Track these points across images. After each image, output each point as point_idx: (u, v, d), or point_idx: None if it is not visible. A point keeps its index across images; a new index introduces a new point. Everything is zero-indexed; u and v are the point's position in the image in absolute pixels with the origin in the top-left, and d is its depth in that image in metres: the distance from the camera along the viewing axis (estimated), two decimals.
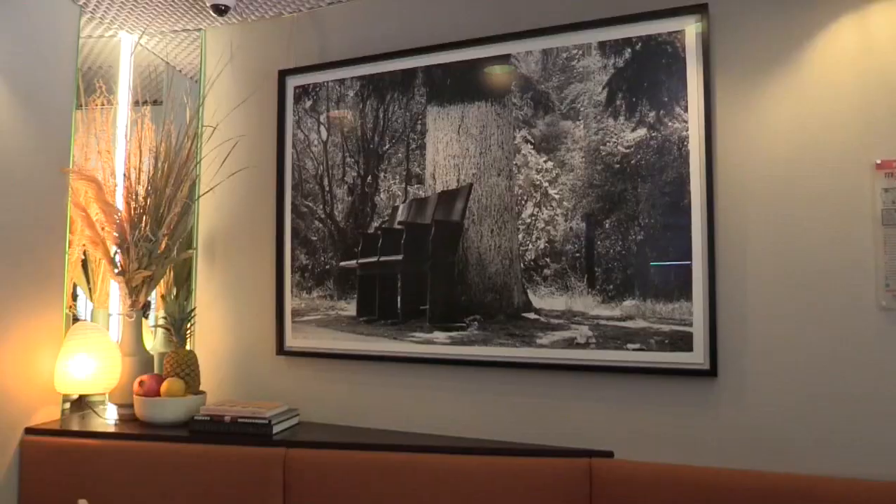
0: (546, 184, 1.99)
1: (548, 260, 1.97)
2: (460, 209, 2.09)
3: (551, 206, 1.98)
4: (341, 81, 2.30)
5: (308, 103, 2.35)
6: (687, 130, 1.84)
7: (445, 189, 2.12)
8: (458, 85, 2.13)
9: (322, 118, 2.32)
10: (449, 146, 2.12)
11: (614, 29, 1.94)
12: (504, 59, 2.07)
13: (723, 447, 1.80)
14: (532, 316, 1.98)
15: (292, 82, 2.38)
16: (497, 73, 2.08)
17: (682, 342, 1.82)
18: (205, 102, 2.56)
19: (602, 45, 1.95)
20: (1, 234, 2.03)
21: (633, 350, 1.86)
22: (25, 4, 2.12)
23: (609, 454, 1.87)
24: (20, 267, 2.10)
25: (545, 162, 1.99)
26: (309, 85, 2.35)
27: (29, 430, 2.12)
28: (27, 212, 2.13)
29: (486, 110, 2.08)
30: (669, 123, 1.86)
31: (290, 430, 2.13)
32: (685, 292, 1.82)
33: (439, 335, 2.09)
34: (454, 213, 2.09)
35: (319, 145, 2.32)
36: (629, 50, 1.92)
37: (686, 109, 1.85)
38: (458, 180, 2.10)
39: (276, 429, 2.06)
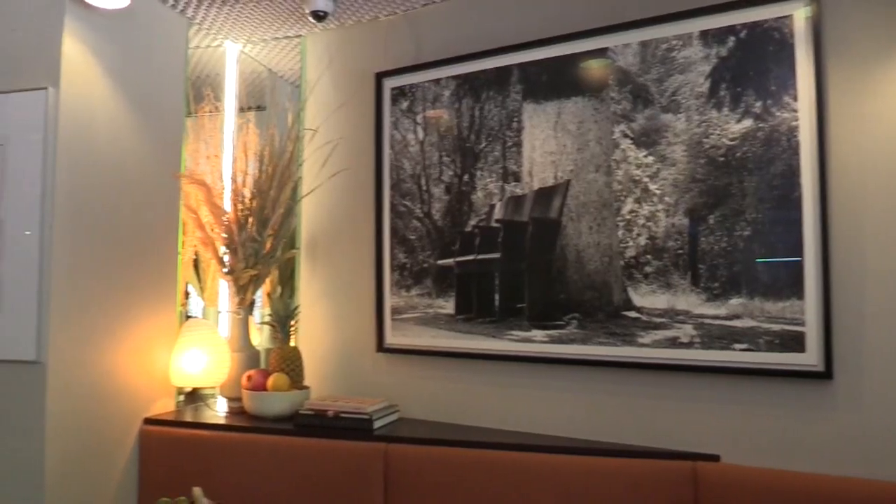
0: (646, 179, 1.94)
1: (649, 257, 1.93)
2: (558, 206, 2.07)
3: (652, 201, 1.93)
4: (437, 81, 2.32)
5: (405, 104, 2.38)
6: (797, 120, 1.76)
7: (542, 186, 2.10)
8: (554, 81, 2.10)
9: (419, 118, 2.35)
10: (545, 143, 2.10)
11: (717, 17, 1.87)
12: (601, 52, 2.04)
13: (839, 454, 1.70)
14: (633, 314, 1.94)
15: (389, 84, 2.42)
16: (594, 68, 2.05)
17: (794, 342, 1.73)
18: (305, 106, 2.63)
19: (704, 35, 1.89)
20: (122, 237, 2.16)
21: (741, 350, 1.79)
22: (140, 19, 2.25)
23: (715, 458, 1.81)
24: (139, 268, 2.23)
25: (645, 157, 1.95)
26: (405, 86, 2.39)
27: (147, 420, 2.25)
28: (144, 216, 2.26)
29: (583, 105, 2.05)
30: (777, 113, 1.78)
31: (390, 425, 2.17)
32: (796, 290, 1.74)
33: (537, 333, 2.08)
34: (551, 210, 2.08)
35: (416, 145, 2.35)
36: (733, 38, 1.85)
37: (795, 98, 1.76)
38: (555, 177, 2.08)
39: (376, 424, 2.10)
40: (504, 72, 2.19)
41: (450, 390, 2.27)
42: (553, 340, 2.05)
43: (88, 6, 2.00)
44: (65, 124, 1.96)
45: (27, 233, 1.92)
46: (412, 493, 1.95)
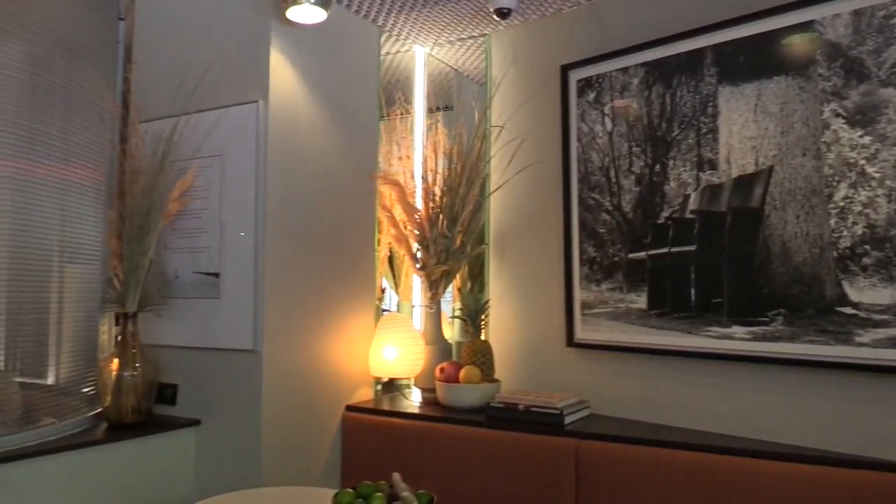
0: (863, 161, 1.76)
1: (867, 247, 1.75)
2: (759, 195, 1.93)
3: (870, 186, 1.75)
4: (624, 70, 2.26)
5: (591, 95, 2.34)
6: None
7: (742, 174, 1.97)
8: (753, 61, 1.97)
9: (606, 109, 2.30)
10: (744, 127, 1.98)
11: None
12: (806, 26, 1.88)
13: None
14: (848, 310, 1.77)
15: (575, 76, 2.39)
16: (798, 43, 1.89)
17: None
18: (491, 104, 2.67)
19: None
20: (324, 236, 2.32)
21: None
22: (335, 31, 2.39)
23: None
24: (340, 265, 2.38)
25: (861, 137, 1.77)
26: (591, 77, 2.34)
27: (349, 408, 2.39)
28: (344, 215, 2.41)
29: (786, 85, 1.90)
30: None
31: (580, 421, 2.14)
32: None
33: (738, 330, 1.96)
34: (752, 199, 1.95)
35: (604, 137, 2.30)
36: None
37: None
38: (755, 163, 1.95)
39: (567, 419, 2.08)
40: (696, 55, 2.09)
41: (642, 387, 2.20)
42: (756, 338, 1.93)
43: (291, 23, 2.16)
44: (273, 133, 2.13)
45: (241, 234, 2.12)
46: (604, 489, 1.91)
